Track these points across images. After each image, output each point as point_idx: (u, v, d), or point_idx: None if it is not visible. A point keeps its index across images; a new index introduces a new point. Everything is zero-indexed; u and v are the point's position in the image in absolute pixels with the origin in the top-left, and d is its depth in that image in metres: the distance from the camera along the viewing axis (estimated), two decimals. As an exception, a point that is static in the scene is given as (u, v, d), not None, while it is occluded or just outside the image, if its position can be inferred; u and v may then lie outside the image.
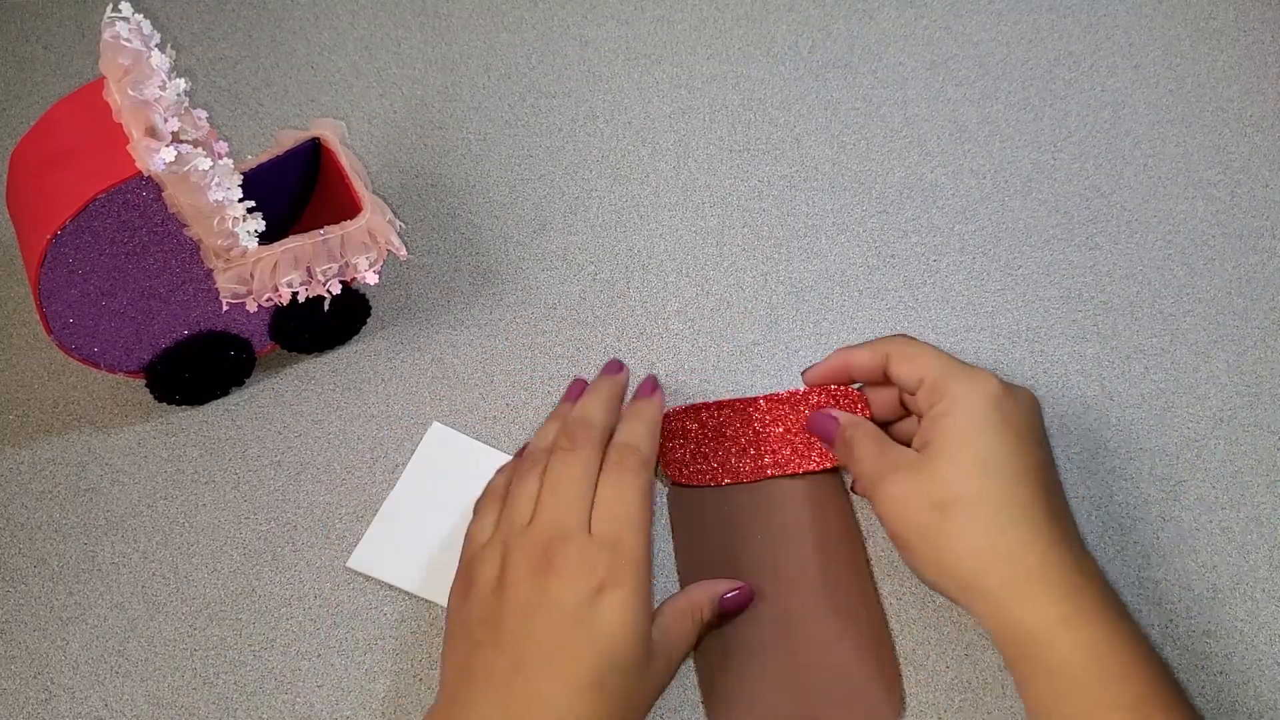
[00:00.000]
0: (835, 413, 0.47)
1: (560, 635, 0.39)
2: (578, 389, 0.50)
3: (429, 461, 0.50)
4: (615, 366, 0.50)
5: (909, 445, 0.44)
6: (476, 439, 0.51)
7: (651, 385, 0.48)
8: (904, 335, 0.47)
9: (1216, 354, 0.52)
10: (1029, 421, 0.43)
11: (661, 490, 0.49)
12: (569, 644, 0.39)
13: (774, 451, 0.48)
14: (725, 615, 0.45)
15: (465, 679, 0.40)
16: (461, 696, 0.40)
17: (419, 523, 0.49)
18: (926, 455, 0.42)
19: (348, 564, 0.48)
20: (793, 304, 0.55)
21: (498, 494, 0.46)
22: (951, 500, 0.40)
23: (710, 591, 0.44)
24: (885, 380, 0.46)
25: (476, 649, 0.40)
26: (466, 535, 0.45)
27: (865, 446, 0.44)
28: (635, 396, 0.48)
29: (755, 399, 0.49)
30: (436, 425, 0.51)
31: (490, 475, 0.49)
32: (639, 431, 0.45)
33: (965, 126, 0.61)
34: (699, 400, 0.51)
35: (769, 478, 0.48)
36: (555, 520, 0.42)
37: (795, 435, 0.48)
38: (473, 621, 0.41)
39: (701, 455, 0.49)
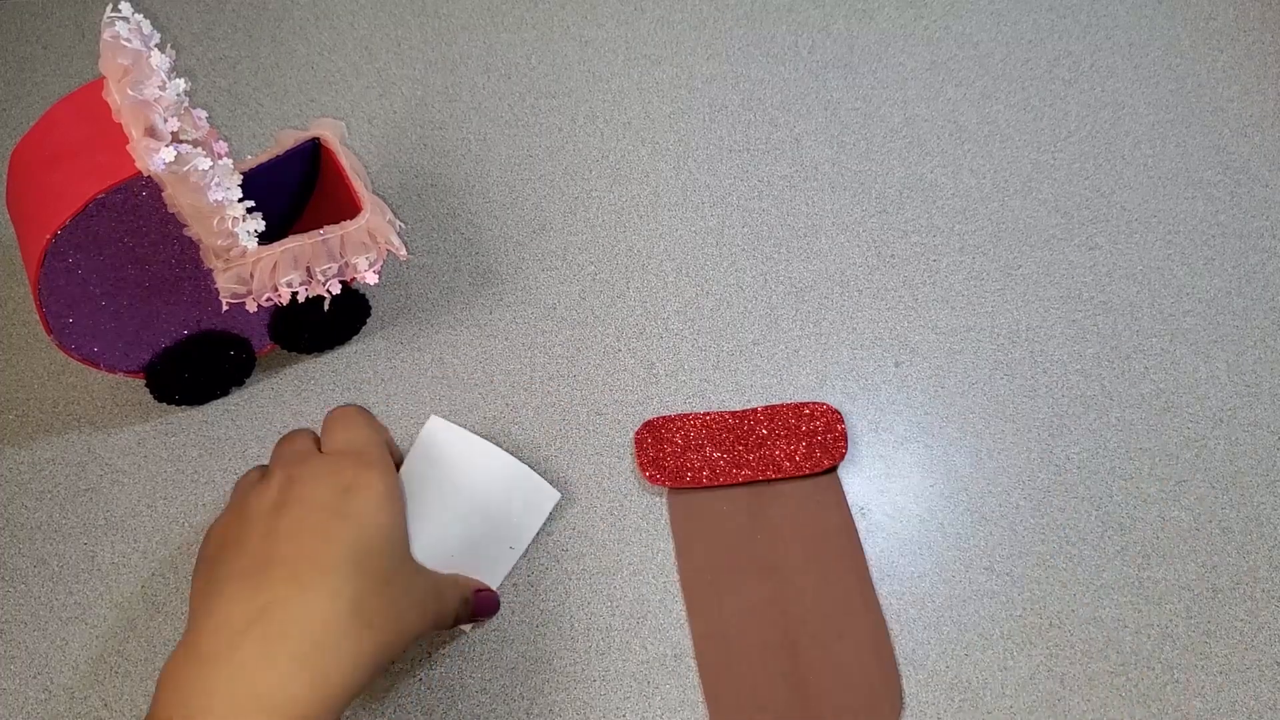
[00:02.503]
0: None
1: (313, 525, 0.39)
2: None
3: (426, 454, 0.50)
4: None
5: None
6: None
7: None
8: None
9: (1216, 354, 0.52)
10: None
11: (662, 493, 0.49)
12: (322, 531, 0.39)
13: (763, 458, 0.49)
14: (477, 613, 0.45)
15: (209, 593, 0.38)
16: (203, 608, 0.38)
17: (415, 515, 0.48)
18: None
19: None
20: (793, 304, 0.55)
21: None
22: None
23: (472, 584, 0.46)
24: None
25: (219, 564, 0.39)
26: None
27: None
28: None
29: (743, 411, 0.50)
30: (434, 419, 0.51)
31: (488, 469, 0.49)
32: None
33: (965, 126, 0.61)
34: (694, 401, 0.51)
35: (763, 480, 0.48)
36: (289, 455, 0.43)
37: (782, 442, 0.49)
38: (216, 554, 0.40)
39: (687, 460, 0.49)
